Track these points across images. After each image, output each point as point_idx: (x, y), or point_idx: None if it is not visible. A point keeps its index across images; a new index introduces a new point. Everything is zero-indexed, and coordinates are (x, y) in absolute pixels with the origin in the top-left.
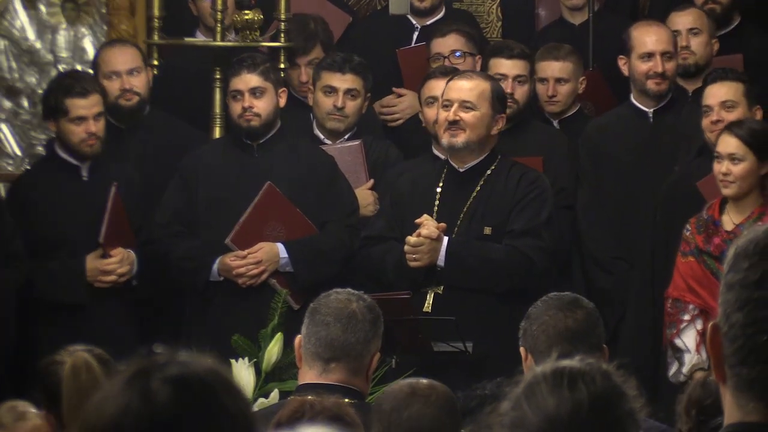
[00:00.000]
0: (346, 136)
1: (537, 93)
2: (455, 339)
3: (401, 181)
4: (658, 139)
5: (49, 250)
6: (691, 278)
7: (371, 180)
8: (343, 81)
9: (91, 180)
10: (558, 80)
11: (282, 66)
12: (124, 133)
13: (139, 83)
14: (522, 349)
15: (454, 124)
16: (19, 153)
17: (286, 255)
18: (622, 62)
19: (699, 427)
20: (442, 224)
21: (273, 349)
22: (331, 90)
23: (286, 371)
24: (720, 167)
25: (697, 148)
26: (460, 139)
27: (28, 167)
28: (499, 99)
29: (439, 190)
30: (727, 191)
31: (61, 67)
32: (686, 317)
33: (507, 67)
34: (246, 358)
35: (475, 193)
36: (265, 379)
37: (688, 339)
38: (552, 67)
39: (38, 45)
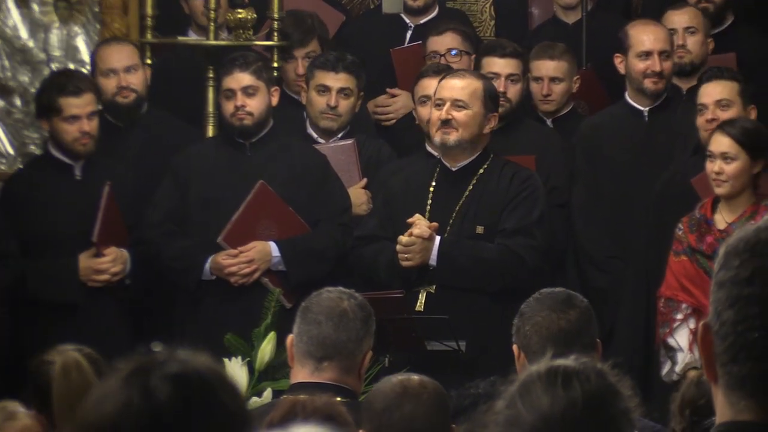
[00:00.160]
0: (339, 135)
1: (531, 92)
2: (448, 338)
3: (394, 180)
4: (654, 138)
5: (42, 249)
6: (684, 277)
7: (364, 179)
8: (336, 80)
9: (85, 179)
10: (552, 79)
11: (275, 65)
12: (121, 131)
13: (136, 81)
14: (515, 347)
15: (446, 123)
16: (11, 152)
17: (278, 254)
18: (618, 60)
19: (692, 427)
20: (434, 224)
21: (266, 348)
22: (325, 89)
23: (279, 370)
24: (713, 166)
25: (692, 146)
26: (453, 138)
27: (21, 166)
28: (491, 98)
29: (431, 189)
30: (719, 190)
31: (54, 66)
32: (679, 316)
33: (500, 65)
34: (239, 357)
35: (467, 192)
36: (258, 378)
37: (681, 338)
38: (546, 67)
39: (31, 44)
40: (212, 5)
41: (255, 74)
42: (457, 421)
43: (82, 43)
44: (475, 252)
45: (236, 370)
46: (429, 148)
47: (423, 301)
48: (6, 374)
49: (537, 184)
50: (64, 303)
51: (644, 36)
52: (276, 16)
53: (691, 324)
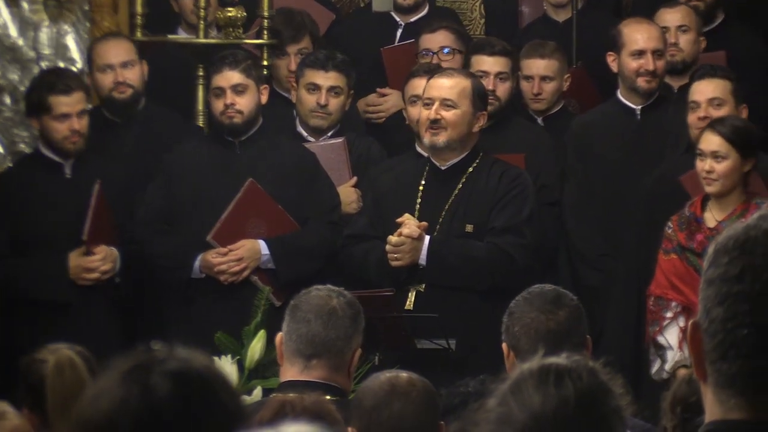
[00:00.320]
0: (329, 134)
1: (522, 90)
2: (438, 336)
3: (383, 178)
4: (646, 136)
5: (32, 247)
6: (674, 275)
7: (354, 177)
8: (326, 78)
9: (75, 177)
10: (543, 78)
11: (265, 63)
12: (119, 127)
13: (133, 76)
14: (504, 345)
15: (435, 123)
16: (1, 150)
17: (267, 252)
18: (611, 59)
19: (684, 425)
20: (424, 223)
21: (256, 347)
22: (315, 87)
23: (269, 368)
24: (703, 165)
25: (684, 145)
26: (442, 138)
27: (11, 165)
28: (480, 96)
29: (421, 187)
30: (710, 189)
31: (44, 65)
32: (669, 314)
33: (489, 64)
34: (229, 356)
35: (456, 191)
36: (248, 377)
37: (671, 336)
38: (537, 65)
39: (20, 42)
40: (202, 4)
41: (244, 72)
42: (446, 419)
43: (72, 41)
44: (464, 251)
45: (226, 368)
46: (419, 148)
47: (412, 300)
48: None
49: (526, 183)
50: (55, 301)
51: (637, 35)
52: (266, 14)
53: (681, 322)
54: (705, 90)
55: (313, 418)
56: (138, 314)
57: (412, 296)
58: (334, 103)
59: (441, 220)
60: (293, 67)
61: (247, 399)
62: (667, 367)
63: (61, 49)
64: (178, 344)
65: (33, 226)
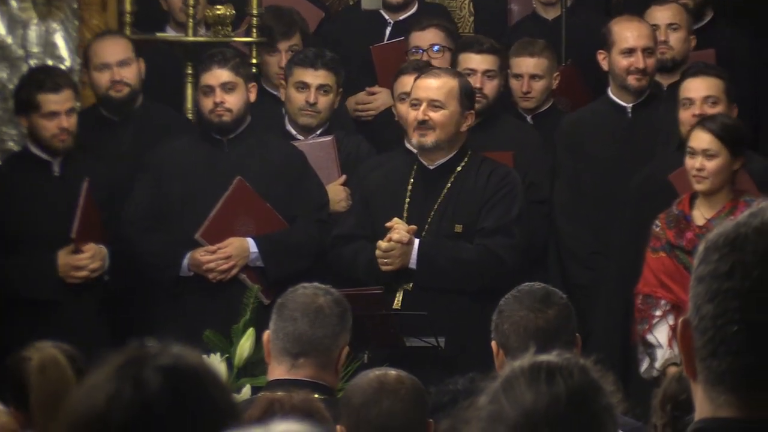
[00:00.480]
0: (318, 132)
1: (511, 89)
2: (427, 334)
3: (371, 178)
4: (637, 134)
5: (20, 245)
6: (663, 273)
7: (343, 176)
8: (315, 77)
9: (63, 175)
10: (532, 76)
11: (254, 61)
12: (116, 125)
13: (130, 74)
14: (493, 344)
15: (423, 124)
16: None
17: (256, 250)
18: (601, 57)
19: (674, 422)
20: (413, 227)
21: (245, 345)
22: (304, 86)
23: (258, 366)
24: (694, 162)
25: (675, 143)
26: (430, 139)
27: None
28: (467, 95)
29: (409, 187)
30: (700, 186)
31: (32, 63)
32: (658, 313)
33: (476, 61)
34: (218, 354)
35: (445, 191)
36: (237, 375)
37: (660, 334)
38: (526, 63)
39: (9, 40)
40: (191, 2)
41: (233, 70)
42: (435, 417)
43: (61, 39)
44: (454, 253)
45: (215, 366)
46: (408, 145)
47: (400, 300)
48: None
49: (515, 182)
50: (43, 300)
51: (628, 32)
52: (255, 12)
53: (670, 320)
54: (699, 87)
55: (302, 416)
56: (126, 312)
57: (399, 296)
58: (323, 102)
59: (430, 220)
60: (284, 63)
61: (237, 397)
62: (657, 365)
63: (49, 47)
64: (166, 342)
65: (21, 225)
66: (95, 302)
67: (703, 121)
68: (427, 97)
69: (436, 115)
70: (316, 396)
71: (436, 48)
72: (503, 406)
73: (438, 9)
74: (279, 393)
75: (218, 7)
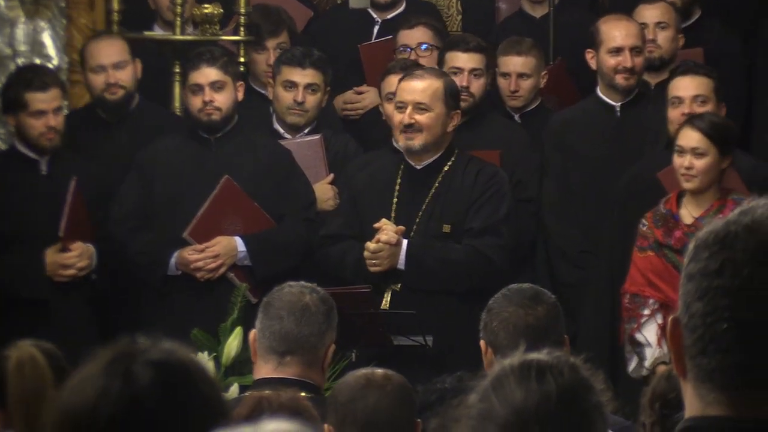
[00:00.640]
0: (305, 131)
1: (499, 87)
2: (415, 333)
3: (359, 177)
4: (626, 133)
5: (8, 244)
6: (651, 272)
7: (331, 174)
8: (303, 76)
9: (51, 174)
10: (520, 75)
11: (242, 60)
12: (112, 126)
13: (125, 77)
14: (482, 342)
15: (409, 127)
16: None
17: (244, 248)
18: (589, 56)
19: (663, 421)
20: (401, 227)
21: (232, 344)
22: (291, 85)
23: (246, 365)
24: (682, 161)
25: (664, 141)
26: (417, 141)
27: None
28: (452, 95)
29: (397, 187)
30: (688, 185)
31: (20, 61)
32: (646, 312)
33: (463, 60)
34: (205, 353)
35: (433, 191)
36: (224, 374)
37: (649, 333)
38: (514, 62)
39: None
40: (178, 0)
41: (222, 69)
42: (423, 415)
43: (48, 38)
44: (442, 254)
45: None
46: (395, 144)
47: (388, 300)
48: None
49: (503, 181)
50: (31, 298)
51: (615, 31)
52: (242, 11)
53: (659, 319)
54: (688, 86)
55: (289, 414)
56: (114, 311)
57: (387, 296)
58: (311, 101)
59: (418, 220)
60: (272, 61)
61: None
62: (647, 364)
63: (37, 46)
64: (158, 337)
65: (9, 223)
66: (83, 301)
67: (691, 120)
68: (413, 99)
69: (422, 118)
70: (303, 394)
71: (424, 47)
72: (493, 404)
73: (426, 7)
74: (267, 391)
75: (206, 5)
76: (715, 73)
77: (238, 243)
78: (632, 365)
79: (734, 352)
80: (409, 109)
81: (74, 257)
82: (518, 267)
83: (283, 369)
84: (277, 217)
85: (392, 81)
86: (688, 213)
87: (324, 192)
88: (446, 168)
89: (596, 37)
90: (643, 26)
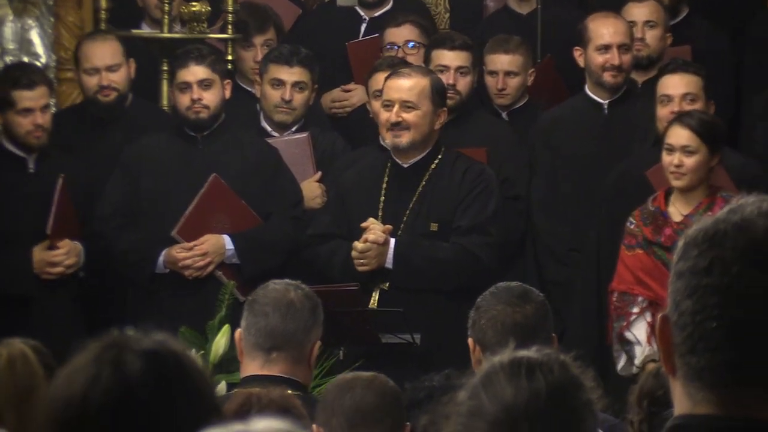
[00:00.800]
0: (293, 129)
1: (487, 85)
2: (403, 331)
3: (346, 176)
4: (614, 130)
5: None
6: (641, 270)
7: (318, 172)
8: (290, 74)
9: (38, 172)
10: (507, 73)
11: (230, 58)
12: (106, 124)
13: (119, 79)
14: (470, 341)
15: (396, 125)
16: None
17: (232, 247)
18: (577, 53)
19: (650, 418)
20: (388, 227)
21: (220, 341)
22: (279, 83)
23: (233, 363)
24: (672, 159)
25: (652, 139)
26: (405, 139)
27: None
28: (439, 93)
29: (384, 185)
30: (678, 183)
31: (8, 59)
32: (635, 310)
33: (449, 58)
34: (193, 350)
35: (420, 189)
36: (212, 371)
37: (639, 331)
38: (501, 60)
39: None
40: None
41: (210, 67)
42: (412, 413)
43: (36, 36)
44: (430, 252)
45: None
46: (383, 142)
47: (376, 299)
48: None
49: (490, 179)
50: (18, 295)
51: (604, 29)
52: (230, 8)
53: (648, 317)
54: (678, 84)
55: (278, 411)
56: (102, 309)
57: (375, 295)
58: (299, 99)
59: (405, 219)
60: (260, 57)
61: None
62: (637, 362)
63: (25, 44)
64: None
65: None
66: (70, 298)
67: (680, 117)
68: (399, 98)
69: (409, 116)
70: (290, 392)
71: (411, 44)
72: (483, 401)
73: (414, 5)
74: (256, 388)
75: (193, 3)
76: (703, 70)
77: (226, 241)
78: (621, 363)
79: (723, 351)
80: (396, 108)
81: (62, 255)
82: (506, 265)
83: (270, 366)
84: (264, 215)
85: (379, 79)
86: (676, 211)
87: (311, 190)
88: (433, 166)
89: (584, 34)
90: (631, 24)
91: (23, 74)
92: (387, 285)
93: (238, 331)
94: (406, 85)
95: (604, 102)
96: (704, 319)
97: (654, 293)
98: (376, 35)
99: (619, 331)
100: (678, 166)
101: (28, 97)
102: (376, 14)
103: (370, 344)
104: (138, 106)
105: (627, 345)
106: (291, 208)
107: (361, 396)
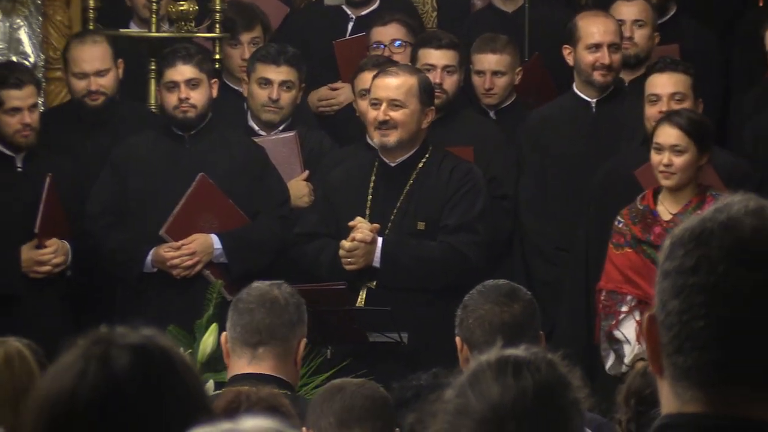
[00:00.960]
0: (280, 128)
1: (474, 85)
2: (390, 330)
3: (333, 175)
4: (602, 129)
5: None
6: (629, 269)
7: (306, 171)
8: (278, 73)
9: (26, 171)
10: (495, 73)
11: (217, 57)
12: (94, 126)
13: (107, 83)
14: (458, 339)
15: (384, 124)
16: None
17: (220, 246)
18: (566, 52)
19: (638, 417)
20: (376, 225)
21: (208, 340)
22: (266, 82)
23: (221, 362)
24: (661, 158)
25: (640, 138)
26: (392, 138)
27: None
28: (426, 92)
29: (371, 184)
30: (667, 182)
31: None
32: (624, 308)
33: (436, 57)
34: (181, 349)
35: (407, 188)
36: (200, 370)
37: (628, 330)
38: (488, 60)
39: None
40: None
41: (197, 66)
42: (399, 412)
43: (25, 35)
44: (418, 251)
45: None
46: (369, 141)
47: (363, 297)
48: None
49: (477, 177)
50: (5, 294)
51: (594, 28)
52: (218, 7)
53: (637, 316)
54: (666, 84)
55: (267, 410)
56: (89, 308)
57: (363, 294)
58: (286, 98)
59: (392, 218)
60: (247, 55)
61: None
62: (627, 360)
63: (14, 44)
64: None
65: None
66: (58, 297)
67: (669, 116)
68: (387, 96)
69: (396, 115)
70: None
71: (397, 43)
72: (470, 399)
73: (401, 3)
74: (245, 387)
75: (181, 2)
76: (692, 69)
77: (214, 240)
78: (610, 362)
79: (710, 350)
80: (383, 106)
81: (49, 253)
82: (494, 264)
83: (257, 362)
84: (252, 214)
85: (365, 78)
86: (665, 209)
87: (299, 189)
88: (420, 165)
89: (574, 33)
90: (620, 23)
91: (11, 73)
92: (374, 284)
93: (224, 335)
94: (394, 84)
95: (592, 100)
96: (691, 318)
97: (643, 292)
98: (363, 34)
99: (607, 330)
100: (667, 165)
101: (16, 97)
102: (363, 13)
103: (358, 343)
104: (124, 105)
105: (616, 344)
106: (278, 208)
107: (351, 397)
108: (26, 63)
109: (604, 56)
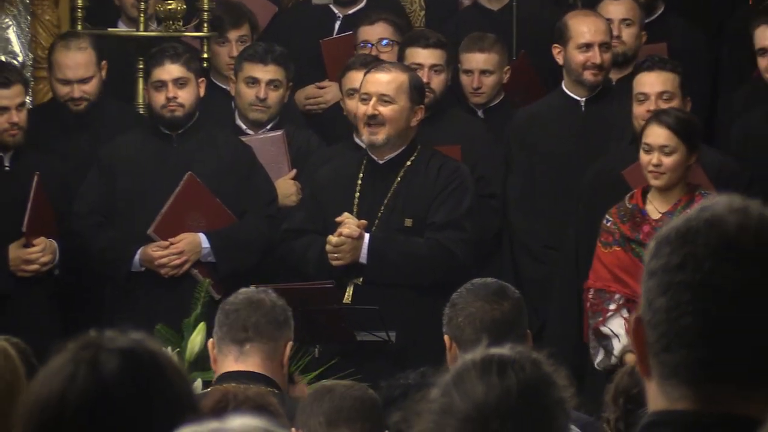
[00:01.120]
0: (268, 127)
1: (462, 84)
2: (378, 328)
3: (321, 172)
4: (590, 128)
5: None
6: (618, 268)
7: (293, 170)
8: (265, 72)
9: (14, 170)
10: (483, 72)
11: (205, 56)
12: (76, 124)
13: (91, 89)
14: (446, 337)
15: (373, 119)
16: None
17: (208, 245)
18: (556, 51)
19: (626, 416)
20: (363, 221)
21: (196, 339)
22: (254, 81)
23: (209, 360)
24: (650, 158)
25: (629, 137)
26: (381, 135)
27: None
28: (417, 90)
29: (359, 182)
30: (656, 182)
31: None
32: (612, 306)
33: (423, 56)
34: (169, 348)
35: (395, 185)
36: (188, 369)
37: (615, 326)
38: (476, 59)
39: None
40: None
41: (185, 65)
42: (387, 410)
43: (13, 34)
44: (405, 248)
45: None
46: (357, 140)
47: (350, 294)
48: None
49: (465, 175)
50: None
51: (584, 27)
52: (206, 6)
53: (625, 313)
54: (654, 82)
55: (254, 409)
56: (77, 307)
57: (350, 290)
58: (274, 97)
59: (380, 215)
60: (234, 53)
61: None
62: (616, 352)
63: (2, 43)
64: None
65: None
66: (45, 296)
67: (657, 116)
68: (377, 91)
69: (385, 110)
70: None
71: (384, 42)
72: (454, 398)
73: (389, 2)
74: (233, 385)
75: (169, 2)
76: (680, 67)
77: (202, 239)
78: (599, 357)
79: (697, 347)
80: (373, 101)
81: (37, 252)
82: (482, 263)
83: (244, 359)
84: (239, 213)
85: (352, 77)
86: (654, 208)
87: (287, 188)
88: (408, 163)
89: (564, 32)
90: (608, 22)
91: None
92: (361, 280)
93: (210, 341)
94: (384, 79)
95: (581, 99)
96: (678, 316)
97: (631, 290)
98: (350, 33)
99: (594, 326)
100: (657, 165)
101: (4, 96)
102: (350, 12)
103: (346, 342)
104: (110, 105)
105: (604, 339)
106: (266, 207)
107: (341, 398)
108: (14, 62)
109: (595, 56)
